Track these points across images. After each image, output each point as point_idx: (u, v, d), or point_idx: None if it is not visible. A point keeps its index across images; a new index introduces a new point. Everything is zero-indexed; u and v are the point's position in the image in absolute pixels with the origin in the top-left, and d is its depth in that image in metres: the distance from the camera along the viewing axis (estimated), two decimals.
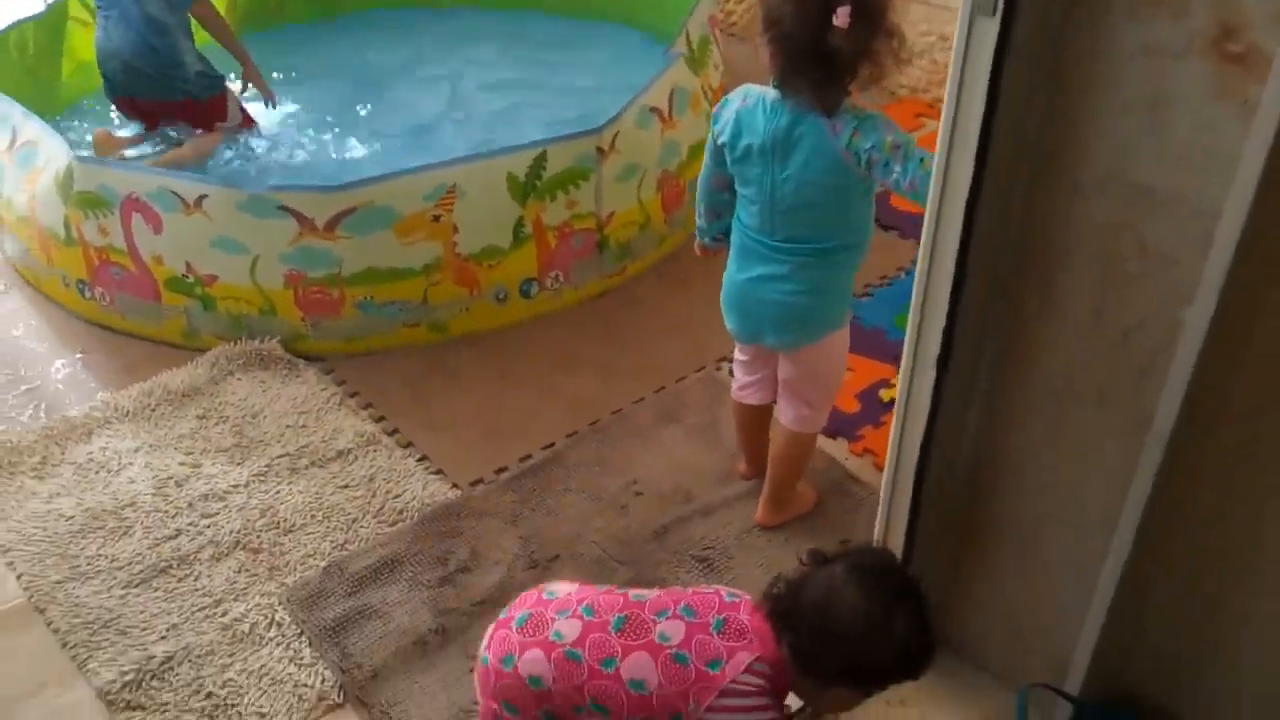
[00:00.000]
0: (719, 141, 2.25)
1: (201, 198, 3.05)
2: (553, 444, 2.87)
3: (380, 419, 2.98)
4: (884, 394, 2.93)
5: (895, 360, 3.02)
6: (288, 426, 2.95)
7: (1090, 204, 1.52)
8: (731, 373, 2.62)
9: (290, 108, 4.29)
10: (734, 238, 2.35)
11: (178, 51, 3.77)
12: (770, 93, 2.15)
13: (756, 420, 2.60)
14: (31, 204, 3.36)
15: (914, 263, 3.43)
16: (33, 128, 3.42)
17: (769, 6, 2.07)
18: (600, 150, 3.22)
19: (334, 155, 3.98)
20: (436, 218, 3.09)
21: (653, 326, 3.28)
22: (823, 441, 2.80)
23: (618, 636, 1.71)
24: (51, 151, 3.31)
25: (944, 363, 1.76)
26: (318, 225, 3.03)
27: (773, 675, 1.65)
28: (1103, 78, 1.43)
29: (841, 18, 1.95)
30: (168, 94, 3.81)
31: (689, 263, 3.48)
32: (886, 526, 2.04)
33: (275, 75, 4.36)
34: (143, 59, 3.74)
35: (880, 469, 2.70)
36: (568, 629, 1.73)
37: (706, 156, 2.35)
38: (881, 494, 2.02)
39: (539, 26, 4.82)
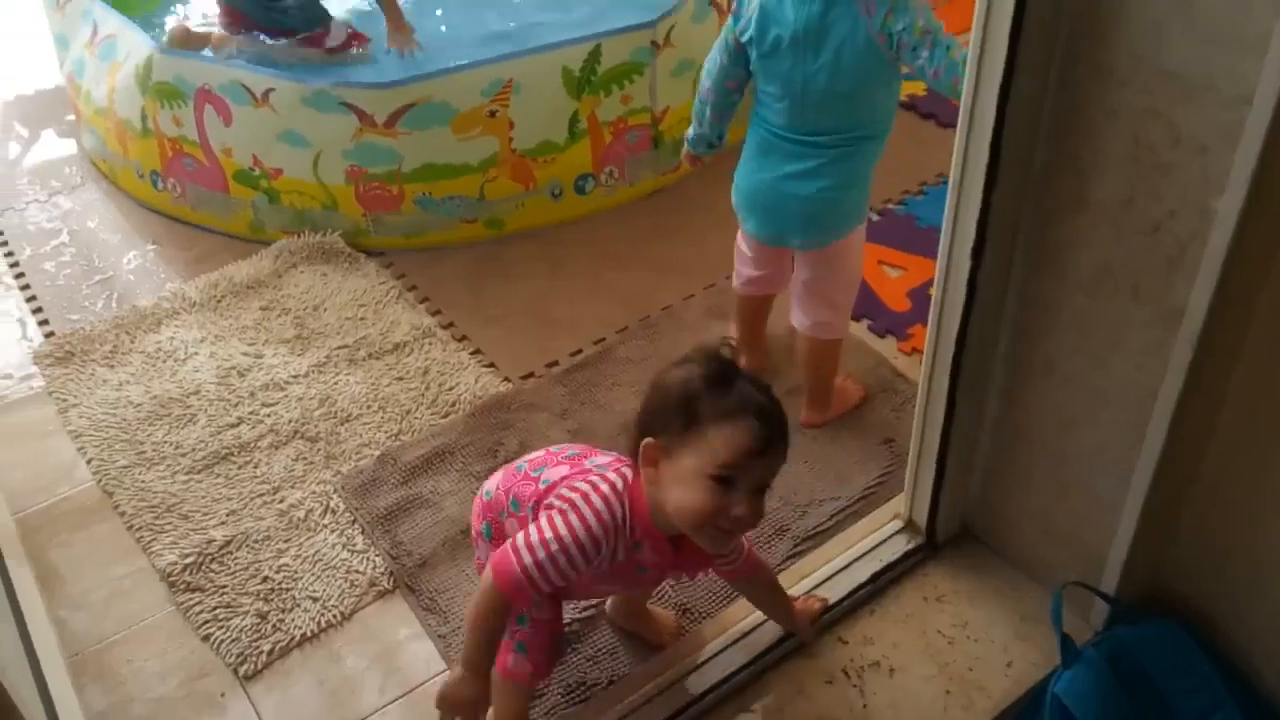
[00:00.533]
0: (742, 38, 2.20)
1: (269, 91, 3.09)
2: (603, 339, 2.89)
3: (436, 313, 3.02)
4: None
5: None
6: (347, 319, 3.01)
7: (1122, 91, 1.46)
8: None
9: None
10: (753, 136, 2.32)
11: None
12: None
13: (761, 311, 2.61)
14: (111, 96, 3.44)
15: None
16: (113, 21, 3.49)
17: None
18: (655, 44, 3.18)
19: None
20: (493, 113, 3.09)
21: (705, 223, 3.26)
22: (872, 340, 2.79)
23: (559, 459, 1.76)
24: (132, 44, 3.37)
25: (978, 254, 1.73)
26: (377, 121, 3.05)
27: (631, 487, 1.64)
28: None
29: None
30: (265, 20, 3.67)
31: None
32: (924, 421, 2.02)
33: None
34: None
35: None
36: (531, 455, 1.82)
37: (719, 55, 2.30)
38: (919, 388, 2.01)
39: None
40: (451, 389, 2.76)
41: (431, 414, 2.70)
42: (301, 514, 2.47)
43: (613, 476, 1.65)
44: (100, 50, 3.51)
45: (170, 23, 3.94)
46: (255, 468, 2.59)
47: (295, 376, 2.82)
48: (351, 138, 3.09)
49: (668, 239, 3.23)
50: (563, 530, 1.59)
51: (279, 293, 3.11)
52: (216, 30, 3.69)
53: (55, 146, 3.92)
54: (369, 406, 2.73)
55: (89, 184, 3.68)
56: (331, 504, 2.48)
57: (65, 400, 2.80)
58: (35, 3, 4.82)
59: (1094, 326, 1.71)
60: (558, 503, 1.64)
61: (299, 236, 3.26)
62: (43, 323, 3.09)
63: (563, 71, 3.10)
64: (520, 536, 1.61)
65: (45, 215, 3.53)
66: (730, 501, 1.56)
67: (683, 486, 1.56)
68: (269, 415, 2.72)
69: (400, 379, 2.80)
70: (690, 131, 2.47)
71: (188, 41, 3.68)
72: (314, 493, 2.51)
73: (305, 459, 2.60)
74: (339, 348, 2.90)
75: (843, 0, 2.05)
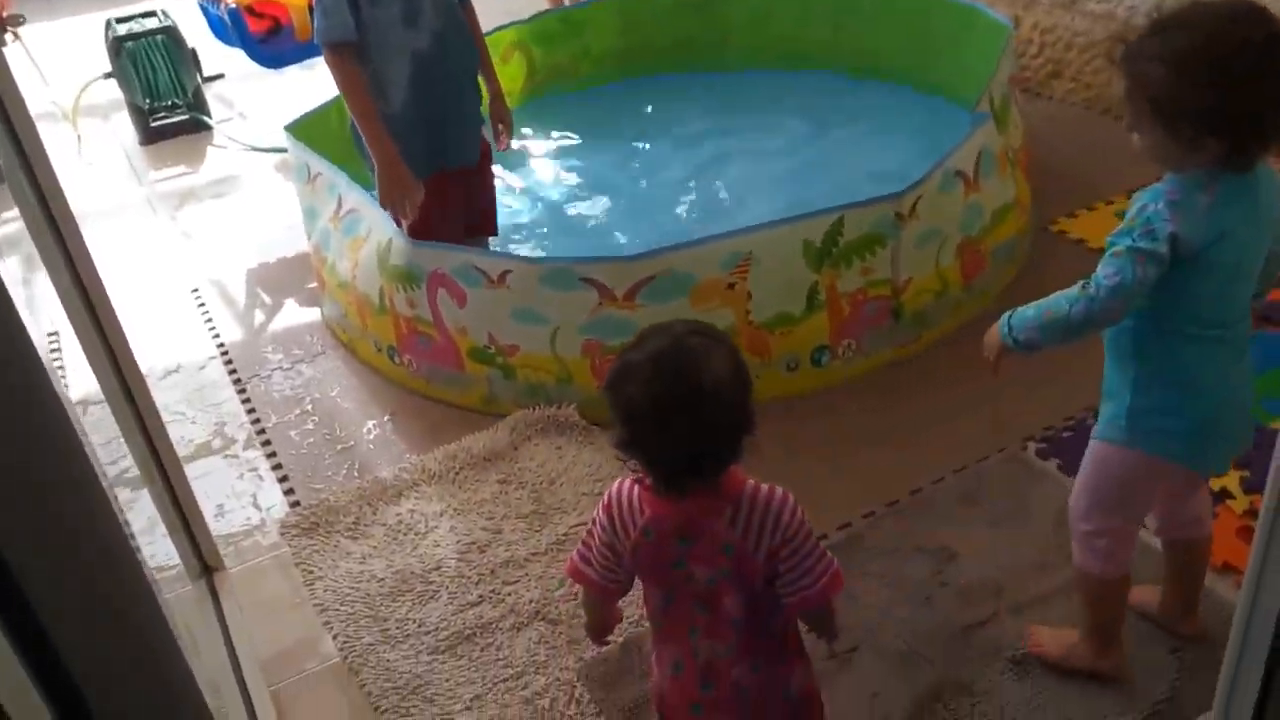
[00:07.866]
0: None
1: (505, 273, 3.15)
2: (849, 524, 2.78)
3: None
4: None
5: None
6: (583, 494, 2.98)
7: None
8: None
9: (570, 173, 4.47)
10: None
11: None
12: None
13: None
14: (353, 271, 3.55)
15: None
16: (355, 197, 3.59)
17: None
18: (899, 216, 3.13)
19: (623, 226, 4.07)
20: (731, 285, 3.07)
21: (949, 399, 3.14)
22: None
23: None
24: (374, 222, 3.46)
25: None
26: (617, 295, 3.07)
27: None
28: None
29: None
30: None
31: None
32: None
33: (561, 135, 4.60)
34: None
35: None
36: None
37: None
38: (1225, 656, 1.79)
39: (828, 86, 4.81)
40: None
41: None
42: (546, 703, 2.41)
43: (627, 484, 1.82)
44: (344, 224, 3.64)
45: None
46: (498, 650, 2.55)
47: (534, 554, 2.80)
48: (590, 312, 3.11)
49: (910, 415, 3.12)
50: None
51: (515, 465, 3.11)
52: None
53: (297, 314, 4.07)
54: None
55: (329, 352, 3.79)
56: (577, 693, 2.42)
57: (311, 572, 2.84)
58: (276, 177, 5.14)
59: None
60: None
61: (534, 409, 3.28)
62: (288, 491, 3.16)
63: (804, 244, 3.07)
64: None
65: (289, 383, 3.65)
66: None
67: None
68: (510, 594, 2.69)
69: None
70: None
71: None
72: (558, 680, 2.46)
73: (547, 642, 2.55)
74: (576, 525, 2.87)
75: None
